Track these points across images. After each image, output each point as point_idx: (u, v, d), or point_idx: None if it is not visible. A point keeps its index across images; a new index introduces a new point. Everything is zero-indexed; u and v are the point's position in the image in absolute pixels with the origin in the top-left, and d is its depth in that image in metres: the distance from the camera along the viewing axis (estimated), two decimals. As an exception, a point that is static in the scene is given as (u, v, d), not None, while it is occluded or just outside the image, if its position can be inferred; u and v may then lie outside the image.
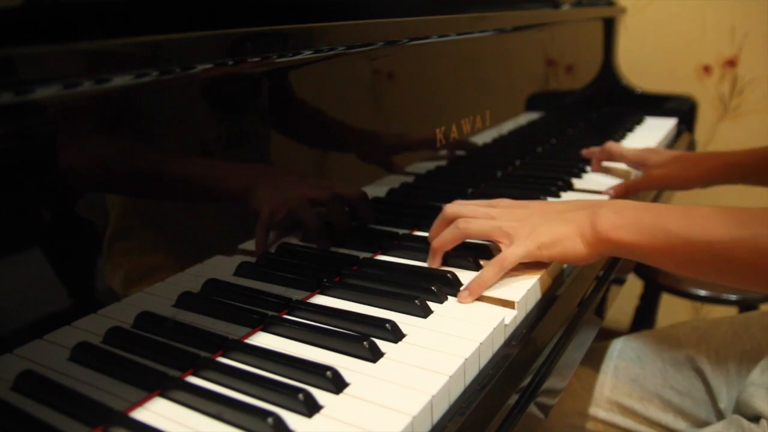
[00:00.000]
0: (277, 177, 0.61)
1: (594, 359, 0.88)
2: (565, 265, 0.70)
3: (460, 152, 0.90)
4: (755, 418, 0.68)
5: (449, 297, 0.60)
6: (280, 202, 0.61)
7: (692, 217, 0.58)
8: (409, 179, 0.80)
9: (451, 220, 0.67)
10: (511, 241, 0.63)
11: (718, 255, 0.56)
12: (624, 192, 0.94)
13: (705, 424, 0.79)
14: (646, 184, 0.97)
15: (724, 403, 0.79)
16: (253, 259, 0.60)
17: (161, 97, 0.49)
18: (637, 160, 1.01)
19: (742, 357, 0.80)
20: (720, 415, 0.79)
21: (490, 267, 0.61)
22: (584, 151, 1.09)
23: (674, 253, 0.58)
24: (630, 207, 0.62)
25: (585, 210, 0.63)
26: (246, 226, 0.59)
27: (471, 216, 0.66)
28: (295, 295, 0.60)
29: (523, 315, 0.60)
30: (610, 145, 1.06)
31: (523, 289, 0.60)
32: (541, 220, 0.64)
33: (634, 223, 0.59)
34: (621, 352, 0.87)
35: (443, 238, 0.66)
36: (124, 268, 0.48)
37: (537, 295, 0.63)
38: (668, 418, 0.82)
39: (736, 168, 0.93)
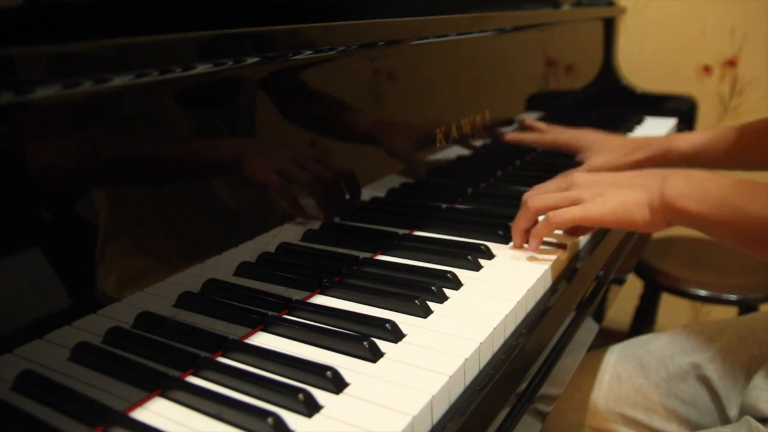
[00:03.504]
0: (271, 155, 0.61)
1: (592, 368, 0.86)
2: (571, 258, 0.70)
3: (460, 151, 0.90)
4: (761, 420, 0.67)
5: (449, 297, 0.60)
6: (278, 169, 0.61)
7: (760, 193, 0.57)
8: (409, 179, 0.80)
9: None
10: (577, 205, 0.65)
11: None
12: None
13: None
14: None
15: (734, 410, 0.77)
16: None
17: (161, 97, 0.49)
18: (572, 148, 1.00)
19: (751, 362, 0.78)
20: (727, 423, 0.78)
21: (542, 221, 0.66)
22: (509, 136, 1.04)
23: (736, 228, 0.58)
24: (700, 177, 0.61)
25: (655, 176, 0.64)
26: (248, 221, 0.59)
27: (541, 192, 0.69)
28: (295, 295, 0.60)
29: (523, 315, 0.60)
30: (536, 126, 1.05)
31: (523, 289, 0.60)
32: (610, 186, 0.65)
33: (701, 194, 0.59)
34: (623, 360, 0.86)
35: (517, 220, 0.70)
36: (123, 266, 0.48)
37: (537, 296, 0.63)
38: (672, 428, 0.81)
39: (681, 154, 0.93)
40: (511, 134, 1.04)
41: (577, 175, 0.69)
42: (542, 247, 0.70)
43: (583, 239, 0.76)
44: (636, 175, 0.66)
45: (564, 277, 0.69)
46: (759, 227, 0.57)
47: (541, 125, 1.06)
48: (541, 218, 0.70)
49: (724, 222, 0.58)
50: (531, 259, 0.68)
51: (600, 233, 0.79)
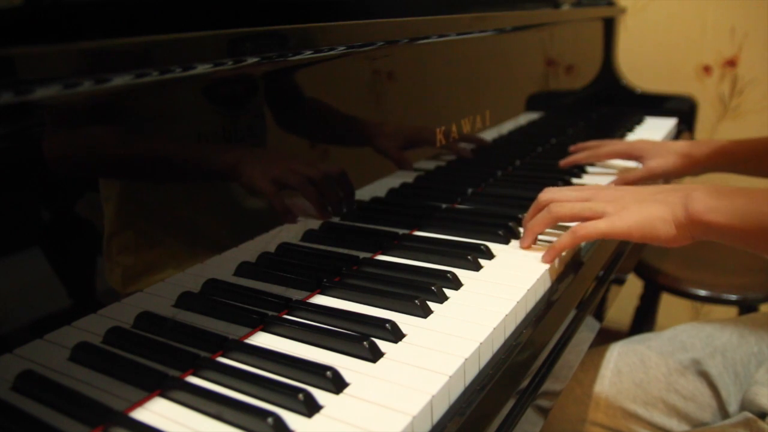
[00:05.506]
0: (270, 159, 0.61)
1: (594, 364, 0.87)
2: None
3: (460, 151, 0.90)
4: (761, 416, 0.68)
5: (449, 297, 0.60)
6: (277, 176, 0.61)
7: None
8: (409, 179, 0.80)
9: (544, 206, 0.70)
10: (601, 218, 0.65)
11: None
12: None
13: None
14: (646, 177, 0.97)
15: (734, 405, 0.78)
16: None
17: (161, 97, 0.49)
18: (630, 155, 1.02)
19: (750, 359, 0.79)
20: (726, 418, 0.79)
21: (567, 234, 0.65)
22: (563, 162, 1.05)
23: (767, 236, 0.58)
24: (724, 190, 0.62)
25: (678, 192, 0.64)
26: (245, 222, 0.59)
27: (563, 200, 0.69)
28: (295, 295, 0.60)
29: (523, 315, 0.60)
30: (591, 145, 1.05)
31: (523, 289, 0.60)
32: (633, 201, 0.65)
33: (728, 206, 0.60)
34: (624, 355, 0.87)
35: (536, 222, 0.69)
36: (124, 266, 0.48)
37: (537, 296, 0.63)
38: (672, 423, 0.81)
39: (728, 156, 0.94)
40: (565, 160, 1.05)
41: (599, 188, 0.70)
42: (542, 245, 0.70)
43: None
44: (658, 191, 0.66)
45: (564, 277, 0.69)
46: None
47: (591, 143, 1.07)
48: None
49: (754, 231, 0.58)
50: (531, 259, 0.68)
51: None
